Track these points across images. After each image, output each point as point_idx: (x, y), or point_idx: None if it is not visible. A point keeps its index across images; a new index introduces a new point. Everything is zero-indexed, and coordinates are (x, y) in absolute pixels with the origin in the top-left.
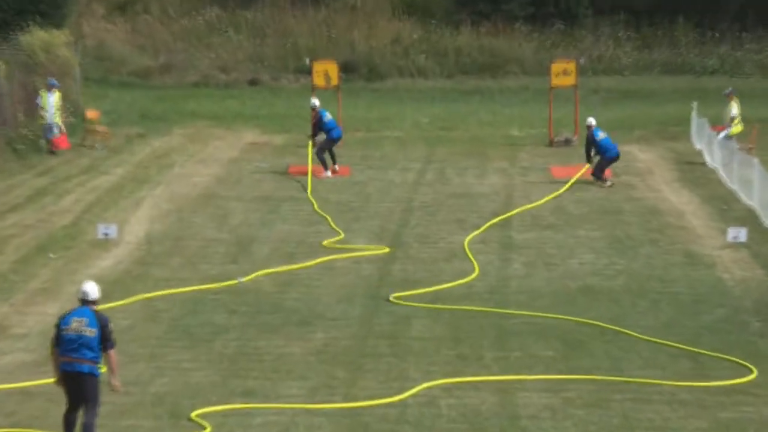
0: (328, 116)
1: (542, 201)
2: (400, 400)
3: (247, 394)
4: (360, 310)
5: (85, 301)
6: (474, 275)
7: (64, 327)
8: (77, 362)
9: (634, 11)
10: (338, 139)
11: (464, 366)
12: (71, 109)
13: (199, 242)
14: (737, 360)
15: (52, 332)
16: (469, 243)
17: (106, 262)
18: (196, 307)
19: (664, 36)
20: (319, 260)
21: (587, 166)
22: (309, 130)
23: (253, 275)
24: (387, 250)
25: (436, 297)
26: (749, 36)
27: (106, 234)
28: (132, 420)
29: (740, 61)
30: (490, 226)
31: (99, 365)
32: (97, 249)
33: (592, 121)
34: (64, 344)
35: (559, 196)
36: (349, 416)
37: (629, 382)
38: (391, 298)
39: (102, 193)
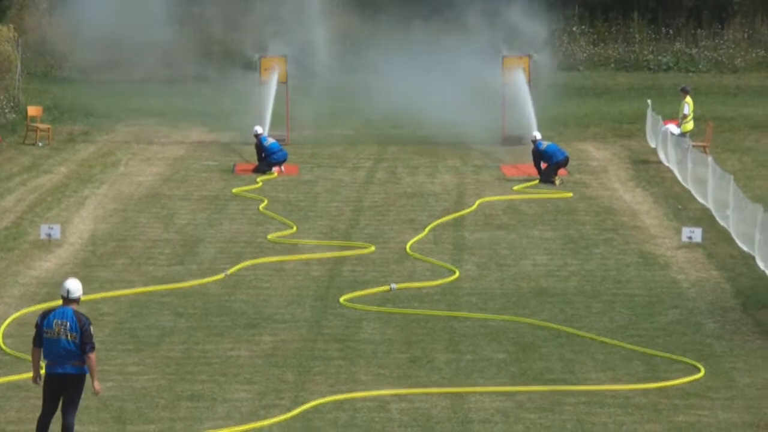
0: (269, 141)
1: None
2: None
3: (194, 398)
4: (309, 312)
5: (67, 300)
6: (455, 276)
7: (46, 329)
8: (68, 365)
9: (588, 6)
10: (281, 161)
11: (415, 369)
12: (12, 104)
13: (145, 243)
14: (690, 361)
15: (33, 330)
16: (420, 243)
17: (50, 263)
18: (141, 310)
19: (619, 32)
20: (317, 255)
21: (537, 181)
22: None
23: (236, 267)
24: (372, 248)
25: (385, 299)
26: (704, 33)
27: (50, 234)
28: (76, 425)
29: (695, 58)
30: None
31: (85, 364)
32: (40, 250)
33: (536, 135)
34: (47, 348)
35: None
36: (300, 420)
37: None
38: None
39: (45, 193)
